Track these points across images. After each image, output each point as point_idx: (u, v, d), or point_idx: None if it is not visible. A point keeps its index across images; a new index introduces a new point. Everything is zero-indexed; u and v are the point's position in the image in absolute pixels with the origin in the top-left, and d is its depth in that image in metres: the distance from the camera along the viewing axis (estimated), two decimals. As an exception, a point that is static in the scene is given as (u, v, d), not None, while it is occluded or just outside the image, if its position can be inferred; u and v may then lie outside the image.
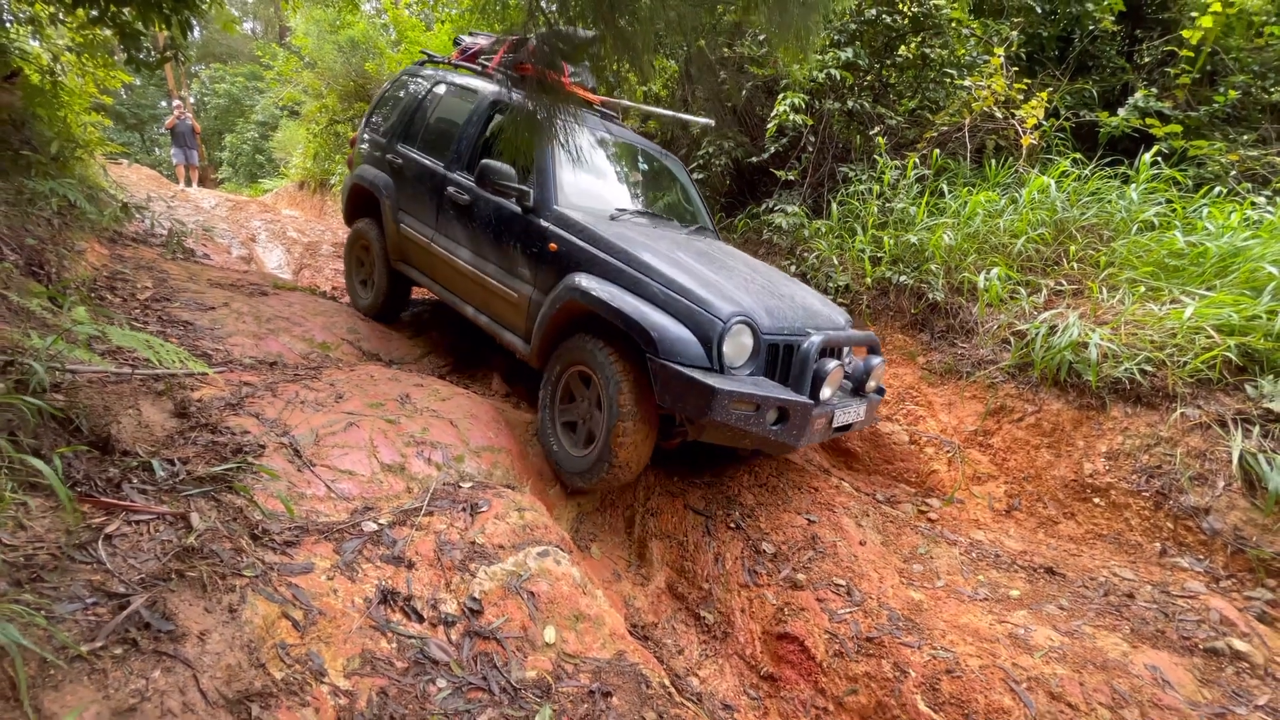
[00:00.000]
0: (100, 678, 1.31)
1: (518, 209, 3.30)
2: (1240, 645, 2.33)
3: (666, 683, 2.05)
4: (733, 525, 2.92)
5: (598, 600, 2.26)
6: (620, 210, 3.50)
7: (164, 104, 23.66)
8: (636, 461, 2.79)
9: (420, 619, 1.89)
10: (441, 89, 4.31)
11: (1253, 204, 3.92)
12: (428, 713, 1.60)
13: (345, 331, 4.20)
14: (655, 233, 3.34)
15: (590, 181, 3.57)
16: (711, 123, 4.60)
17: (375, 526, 2.19)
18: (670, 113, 4.70)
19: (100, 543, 1.63)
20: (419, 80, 4.59)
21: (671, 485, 3.20)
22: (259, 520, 1.98)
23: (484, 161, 3.22)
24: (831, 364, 2.77)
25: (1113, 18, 5.15)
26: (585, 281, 2.88)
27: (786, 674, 2.26)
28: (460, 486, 2.59)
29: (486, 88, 3.95)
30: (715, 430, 2.62)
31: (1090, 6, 5.09)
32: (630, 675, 1.97)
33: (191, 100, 22.33)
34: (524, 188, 3.25)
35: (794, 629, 2.35)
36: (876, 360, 3.18)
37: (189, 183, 11.66)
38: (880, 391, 3.37)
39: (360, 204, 4.67)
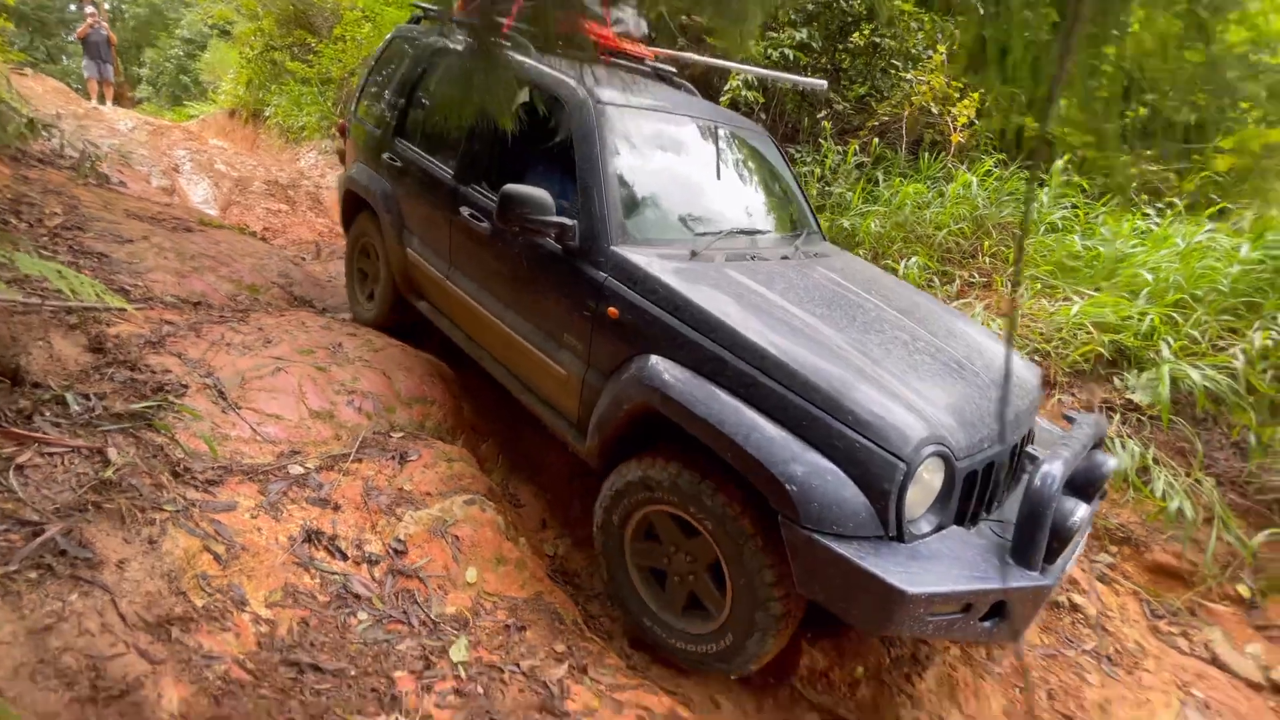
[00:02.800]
0: (15, 600, 1.34)
1: (558, 248, 2.31)
2: (1079, 600, 2.71)
3: (579, 620, 2.22)
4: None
5: (520, 546, 2.39)
6: (703, 235, 2.44)
7: (74, 8, 21.31)
8: (787, 638, 1.94)
9: (344, 557, 1.97)
10: (442, 61, 3.14)
11: (1144, 214, 4.32)
12: (348, 641, 1.70)
13: (276, 275, 4.08)
14: (758, 271, 2.31)
15: (656, 193, 2.53)
16: (824, 84, 3.57)
17: (302, 470, 2.23)
18: (775, 73, 3.69)
19: (11, 472, 1.63)
20: (413, 46, 3.41)
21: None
22: (181, 459, 2.00)
23: (505, 189, 2.22)
24: (1081, 512, 1.74)
25: (1048, 27, 5.43)
26: (668, 376, 1.91)
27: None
28: (391, 436, 2.64)
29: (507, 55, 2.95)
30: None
31: (1028, 15, 5.35)
32: (546, 612, 2.12)
33: (107, 7, 20.23)
34: (564, 221, 2.24)
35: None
36: (1110, 462, 2.02)
37: (103, 100, 10.70)
38: (1102, 496, 2.22)
39: (356, 212, 3.75)
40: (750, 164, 3.03)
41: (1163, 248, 3.79)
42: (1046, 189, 4.56)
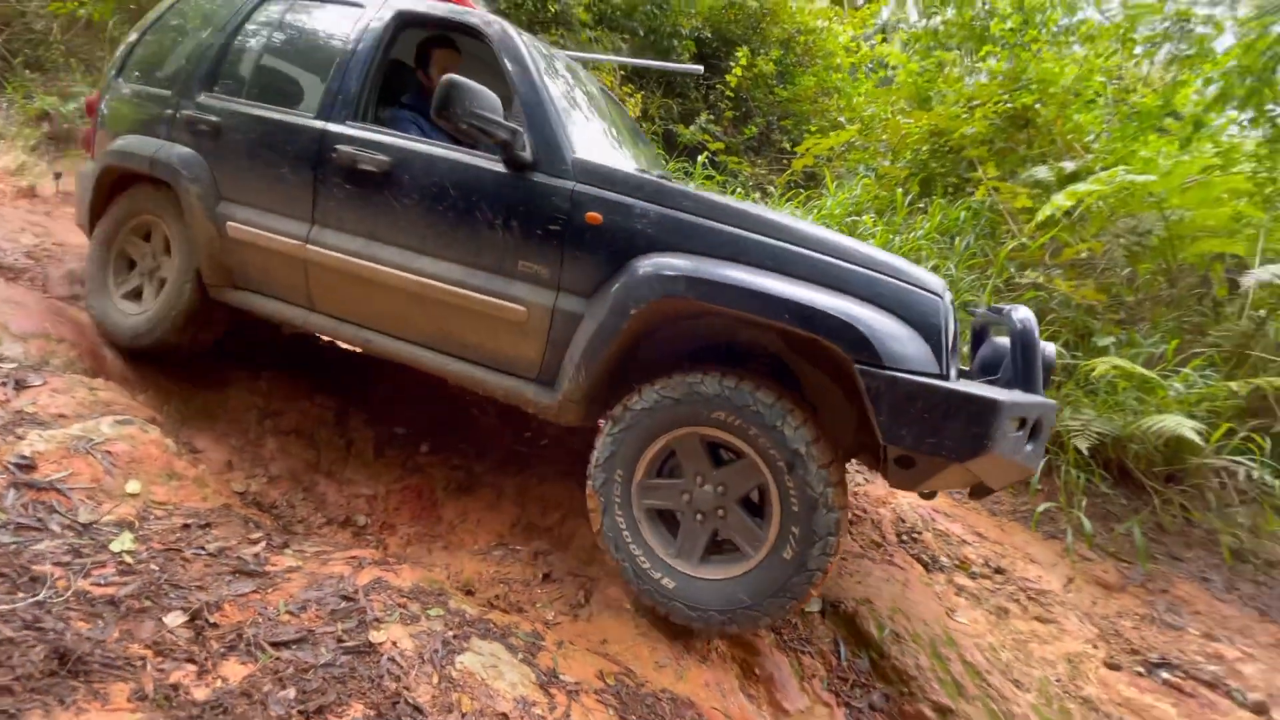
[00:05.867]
0: None
1: (500, 167, 2.06)
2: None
3: (276, 532, 2.13)
4: (366, 415, 3.06)
5: (200, 469, 2.18)
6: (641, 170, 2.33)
7: None
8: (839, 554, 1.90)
9: (-68, 474, 1.59)
10: (286, 4, 2.72)
11: (755, 199, 5.78)
12: (-49, 546, 1.41)
13: None
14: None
15: (589, 127, 2.41)
16: (700, 70, 3.61)
17: None
18: (656, 63, 3.94)
19: None
20: None
21: (297, 386, 3.15)
22: None
23: (450, 78, 1.88)
24: (1052, 349, 1.96)
25: (691, 55, 6.83)
26: (689, 264, 1.76)
27: (411, 509, 2.56)
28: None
29: None
30: (965, 471, 1.67)
31: (668, 44, 6.68)
32: (238, 519, 2.00)
33: None
34: (515, 126, 2.01)
35: (413, 482, 2.67)
36: (1051, 349, 2.20)
37: None
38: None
39: (116, 194, 2.84)
40: (630, 127, 3.13)
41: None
42: (692, 179, 5.75)
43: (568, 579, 2.18)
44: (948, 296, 1.74)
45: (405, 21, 2.43)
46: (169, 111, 2.70)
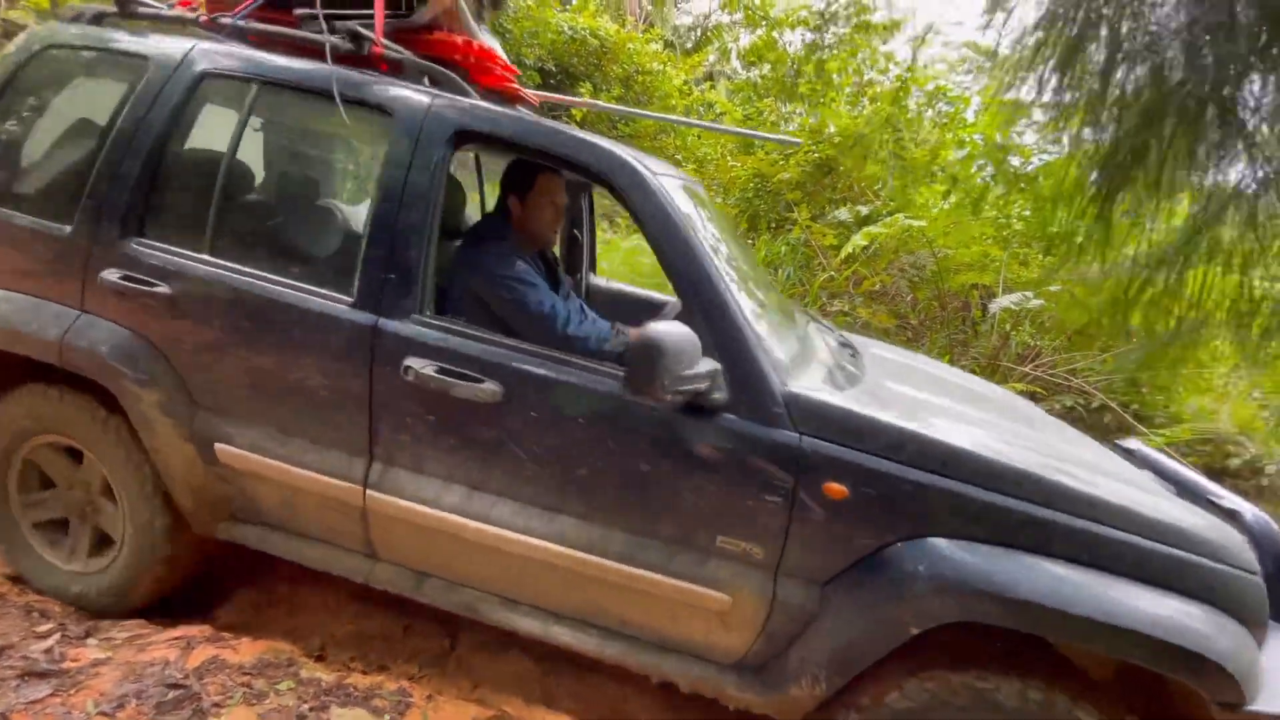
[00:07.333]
0: None
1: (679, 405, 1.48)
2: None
3: (71, 620, 1.83)
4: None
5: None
6: (802, 339, 1.86)
7: None
8: None
9: None
10: (247, 96, 1.73)
11: (603, 230, 6.02)
12: None
13: None
14: (901, 376, 1.94)
15: (769, 319, 1.74)
16: (799, 141, 3.13)
17: None
18: (760, 134, 3.63)
19: None
20: (121, 67, 1.82)
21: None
22: None
23: (653, 335, 1.31)
24: None
25: (535, 86, 6.96)
26: (991, 568, 1.33)
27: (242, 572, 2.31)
28: None
29: (404, 96, 1.65)
30: None
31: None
32: (16, 610, 1.69)
33: None
34: (713, 368, 1.42)
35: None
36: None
37: None
38: None
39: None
40: (751, 254, 2.43)
41: (617, 250, 5.39)
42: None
43: (432, 626, 2.12)
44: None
45: (463, 141, 1.66)
46: (75, 262, 1.71)
